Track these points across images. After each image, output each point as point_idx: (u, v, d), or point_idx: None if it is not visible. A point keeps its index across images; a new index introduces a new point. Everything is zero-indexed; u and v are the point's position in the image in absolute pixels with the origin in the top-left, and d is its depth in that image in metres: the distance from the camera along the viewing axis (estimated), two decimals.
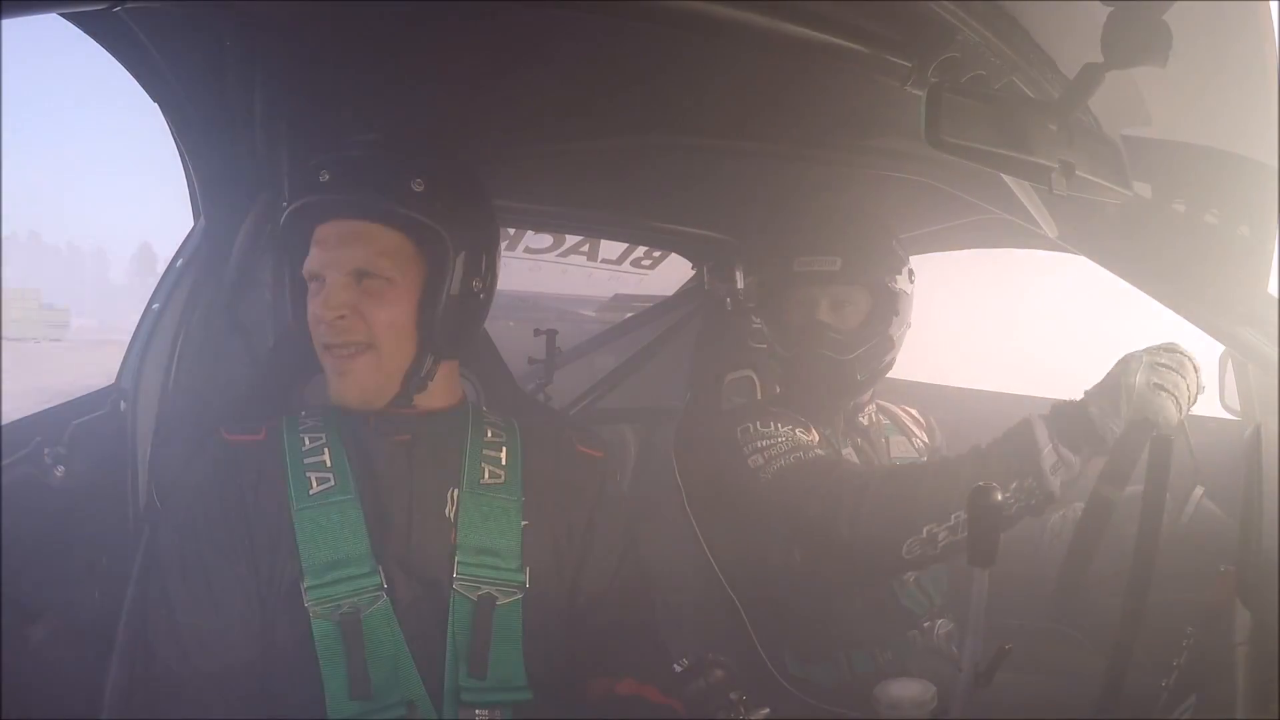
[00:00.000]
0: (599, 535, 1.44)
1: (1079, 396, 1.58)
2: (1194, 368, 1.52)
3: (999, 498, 1.31)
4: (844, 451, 1.96)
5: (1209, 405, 2.01)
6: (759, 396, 2.25)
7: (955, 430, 2.37)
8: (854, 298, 1.89)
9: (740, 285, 2.00)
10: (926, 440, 2.17)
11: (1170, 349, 1.52)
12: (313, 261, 1.33)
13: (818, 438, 1.91)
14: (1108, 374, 1.54)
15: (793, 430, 1.85)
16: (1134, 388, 1.48)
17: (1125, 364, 1.52)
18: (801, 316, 1.90)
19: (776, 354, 1.97)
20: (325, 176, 1.31)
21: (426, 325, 1.34)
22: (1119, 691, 1.29)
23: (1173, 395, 1.47)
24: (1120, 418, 1.50)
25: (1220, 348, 1.93)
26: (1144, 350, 1.53)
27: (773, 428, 1.84)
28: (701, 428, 2.05)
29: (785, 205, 2.02)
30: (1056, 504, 1.61)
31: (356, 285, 1.31)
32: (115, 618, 1.42)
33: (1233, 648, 1.13)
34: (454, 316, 1.35)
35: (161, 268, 1.78)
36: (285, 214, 1.35)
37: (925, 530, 1.59)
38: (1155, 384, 1.48)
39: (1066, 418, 1.55)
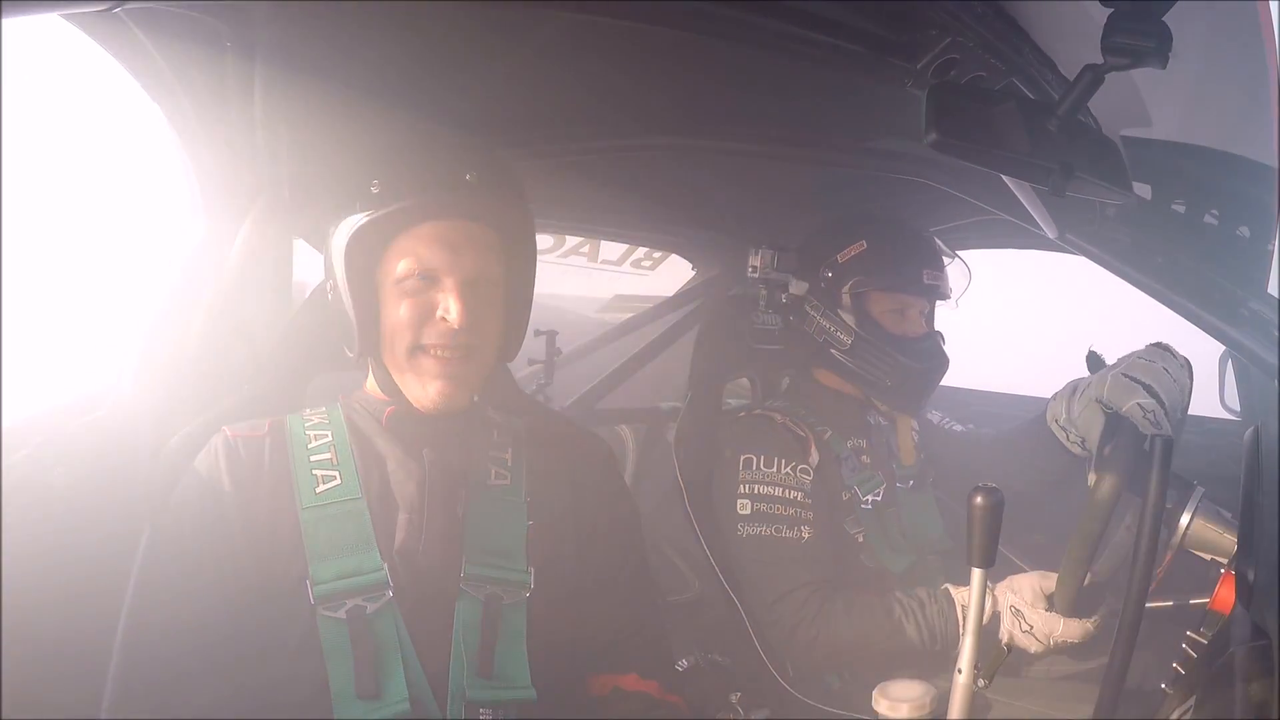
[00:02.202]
0: (604, 533, 1.44)
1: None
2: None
3: (998, 499, 1.31)
4: (845, 447, 1.96)
5: (1209, 405, 2.01)
6: (759, 397, 2.25)
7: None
8: (929, 310, 2.02)
9: (803, 283, 2.03)
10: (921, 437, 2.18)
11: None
12: (432, 260, 1.30)
13: (818, 457, 1.91)
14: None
15: (794, 471, 1.87)
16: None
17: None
18: (904, 326, 1.96)
19: (862, 356, 1.96)
20: (473, 178, 1.30)
21: (514, 330, 1.41)
22: (1119, 691, 1.29)
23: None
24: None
25: (1220, 348, 1.93)
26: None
27: (776, 468, 1.87)
28: (703, 429, 2.05)
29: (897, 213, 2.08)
30: None
31: (474, 289, 1.32)
32: (115, 618, 1.42)
33: (1233, 649, 1.13)
34: (527, 319, 1.44)
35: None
36: (399, 207, 1.29)
37: (846, 669, 1.83)
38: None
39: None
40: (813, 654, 1.79)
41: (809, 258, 2.03)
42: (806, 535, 1.83)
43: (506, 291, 1.39)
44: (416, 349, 1.32)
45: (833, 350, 1.97)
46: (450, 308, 1.29)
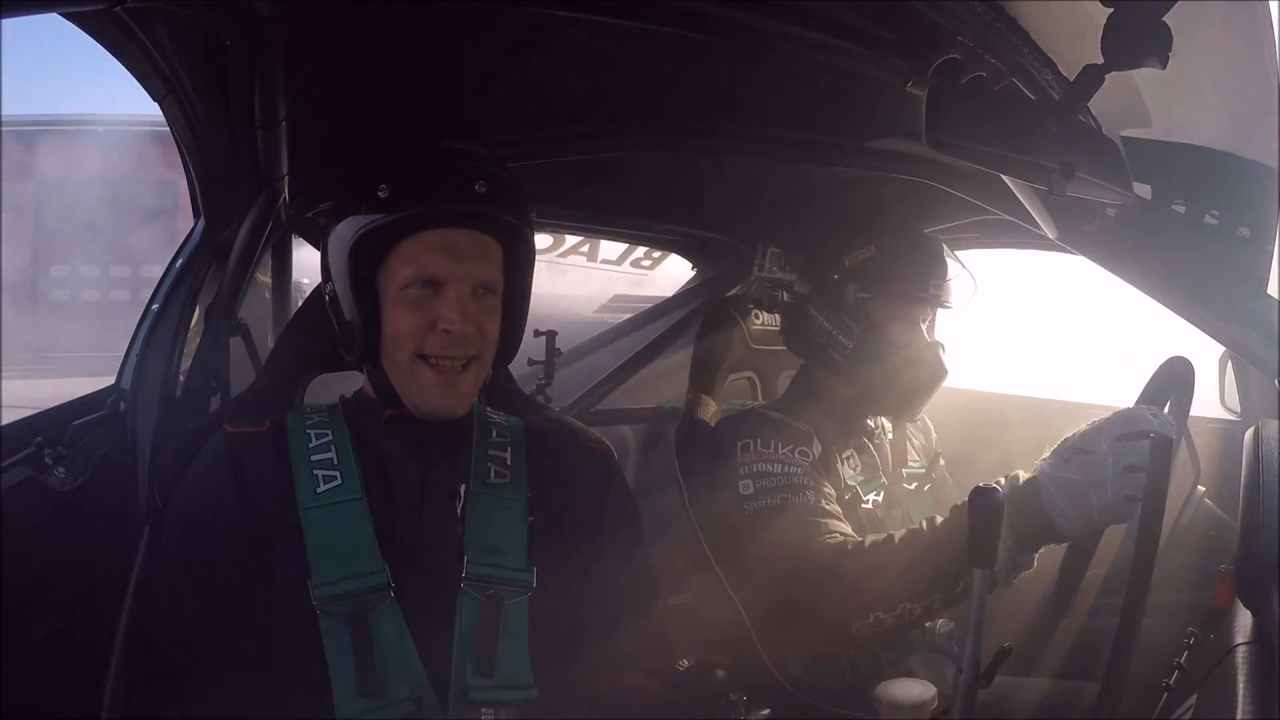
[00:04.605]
0: (605, 530, 1.44)
1: (1038, 468, 1.48)
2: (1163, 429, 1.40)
3: (1000, 498, 1.31)
4: (847, 447, 1.96)
5: (1209, 405, 2.02)
6: (759, 397, 2.25)
7: (955, 430, 2.37)
8: (931, 318, 1.99)
9: (809, 286, 2.01)
10: (923, 440, 2.18)
11: (1132, 422, 1.41)
12: (435, 268, 1.30)
13: (820, 449, 1.90)
14: (1071, 454, 1.45)
15: (793, 453, 1.84)
16: (1104, 497, 1.41)
17: (1088, 459, 1.43)
18: (907, 334, 1.94)
19: (861, 361, 1.93)
20: (483, 188, 1.30)
21: (511, 338, 1.42)
22: (1119, 691, 1.29)
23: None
24: (1082, 519, 1.44)
25: (1220, 348, 1.93)
26: (1107, 431, 1.42)
27: (774, 449, 1.84)
28: (703, 429, 2.05)
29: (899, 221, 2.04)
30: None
31: (475, 298, 1.32)
32: (115, 618, 1.42)
33: (1233, 648, 1.13)
34: (524, 324, 1.46)
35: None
36: (408, 214, 1.29)
37: (872, 617, 1.66)
38: (1127, 495, 1.40)
39: (1024, 515, 1.48)
40: (819, 596, 1.71)
41: (815, 258, 2.02)
42: (813, 498, 1.79)
43: (505, 298, 1.40)
44: (417, 358, 1.32)
45: (832, 354, 1.96)
46: (453, 318, 1.29)
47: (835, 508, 1.83)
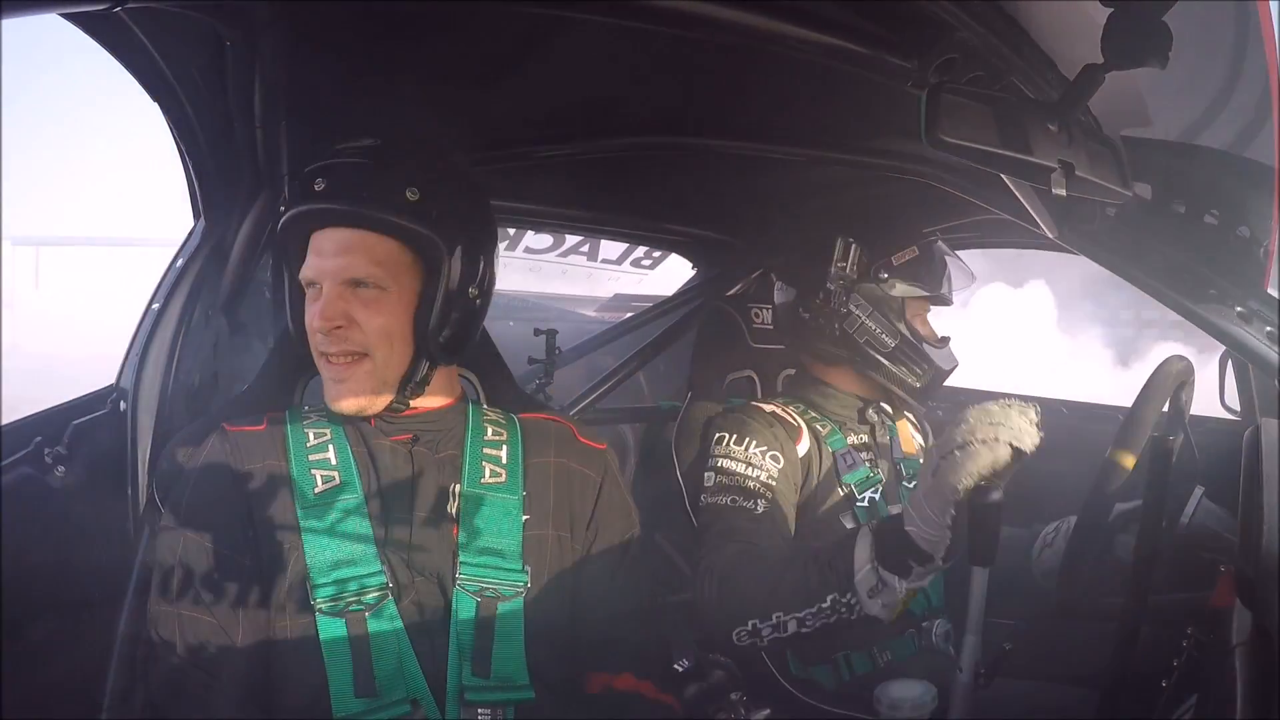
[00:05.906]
0: (602, 528, 1.44)
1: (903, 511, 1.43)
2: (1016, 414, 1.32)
3: (997, 497, 1.30)
4: (845, 445, 1.97)
5: (1209, 405, 2.02)
6: (759, 397, 2.25)
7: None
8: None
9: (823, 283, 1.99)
10: (923, 441, 2.18)
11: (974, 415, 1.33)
12: (309, 270, 1.33)
13: (807, 446, 1.91)
14: (929, 478, 1.37)
15: (764, 456, 1.85)
16: (956, 485, 1.30)
17: (938, 467, 1.34)
18: (928, 330, 2.01)
19: (902, 357, 1.97)
20: (320, 185, 1.29)
21: (422, 332, 1.33)
22: (1119, 691, 1.29)
23: (992, 445, 1.30)
24: (947, 525, 1.35)
25: (1220, 348, 1.93)
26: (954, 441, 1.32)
27: (745, 447, 1.86)
28: (698, 424, 2.05)
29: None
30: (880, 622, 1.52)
31: (352, 293, 1.31)
32: (115, 618, 1.42)
33: (1232, 648, 1.13)
34: (450, 322, 1.35)
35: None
36: (282, 220, 1.35)
37: (750, 625, 1.62)
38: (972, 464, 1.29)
39: (889, 538, 1.44)
40: (726, 605, 1.68)
41: (814, 257, 2.01)
42: (762, 508, 1.79)
43: (417, 296, 1.33)
44: (317, 354, 1.35)
45: (873, 351, 1.97)
46: (314, 313, 1.31)
47: (782, 522, 1.81)
